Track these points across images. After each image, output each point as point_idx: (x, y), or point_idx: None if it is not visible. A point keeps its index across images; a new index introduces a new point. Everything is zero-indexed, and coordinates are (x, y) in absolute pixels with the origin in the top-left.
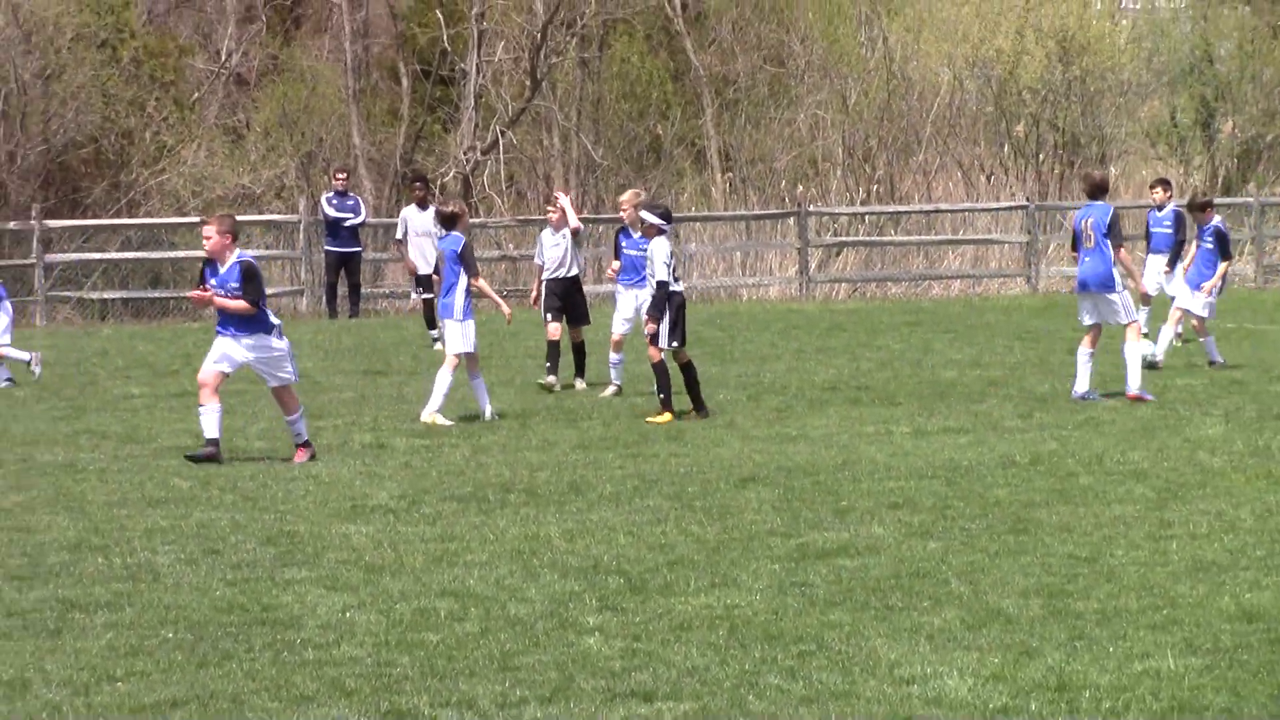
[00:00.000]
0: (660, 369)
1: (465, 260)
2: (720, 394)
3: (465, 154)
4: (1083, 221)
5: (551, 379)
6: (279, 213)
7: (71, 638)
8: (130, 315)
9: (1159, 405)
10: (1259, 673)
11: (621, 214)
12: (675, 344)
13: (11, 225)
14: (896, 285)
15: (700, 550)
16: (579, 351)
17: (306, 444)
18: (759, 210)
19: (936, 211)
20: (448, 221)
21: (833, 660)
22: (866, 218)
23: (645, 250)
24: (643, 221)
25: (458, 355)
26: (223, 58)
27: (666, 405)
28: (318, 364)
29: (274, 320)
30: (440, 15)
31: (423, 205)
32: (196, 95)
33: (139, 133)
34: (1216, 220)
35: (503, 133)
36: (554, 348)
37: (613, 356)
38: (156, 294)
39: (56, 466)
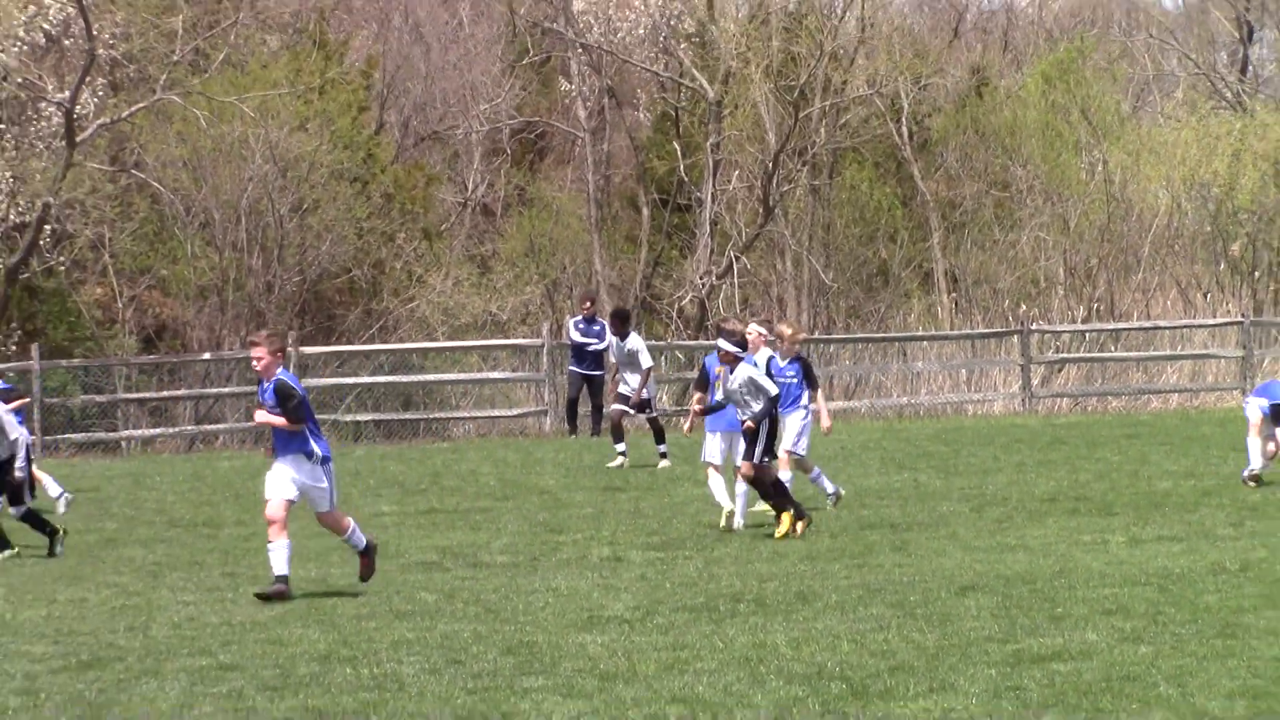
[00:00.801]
0: (759, 481)
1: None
2: (944, 506)
3: (701, 278)
4: None
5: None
6: (524, 337)
7: None
8: (382, 436)
9: None
10: None
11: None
12: (767, 458)
13: None
14: (1116, 399)
15: (920, 656)
16: None
17: (367, 550)
18: (983, 329)
19: (1155, 328)
20: (742, 344)
21: None
22: (1087, 335)
23: (791, 377)
24: (719, 349)
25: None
26: (469, 189)
27: (788, 510)
28: (559, 481)
29: (316, 448)
30: (678, 146)
31: (622, 336)
32: (444, 226)
33: (389, 262)
34: None
35: (737, 258)
36: None
37: (811, 473)
38: (407, 416)
39: (308, 580)
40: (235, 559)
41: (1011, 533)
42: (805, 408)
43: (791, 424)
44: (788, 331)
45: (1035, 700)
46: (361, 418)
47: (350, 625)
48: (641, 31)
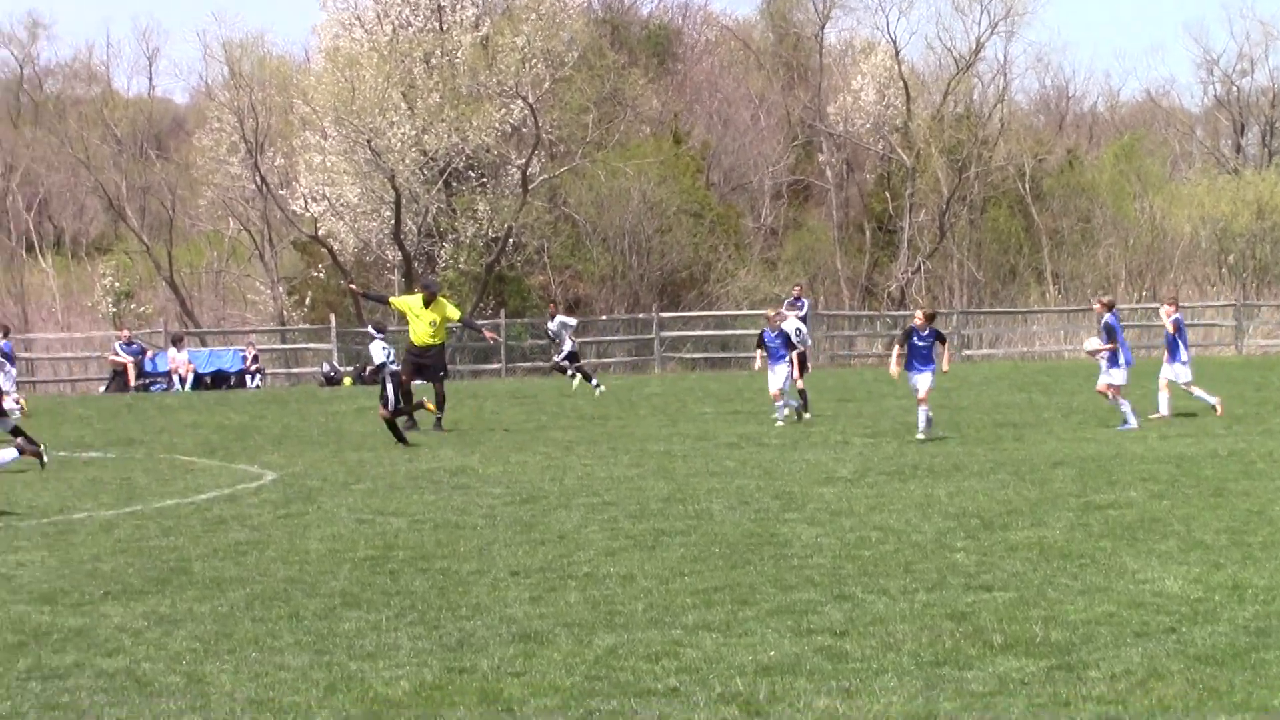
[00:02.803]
0: (390, 423)
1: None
2: (1046, 413)
3: (901, 274)
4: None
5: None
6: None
7: (660, 551)
8: (707, 367)
9: None
10: None
11: (767, 318)
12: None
13: (641, 316)
14: (1155, 350)
15: (1026, 504)
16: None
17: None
18: (1073, 306)
19: (1181, 306)
20: (930, 319)
21: (1099, 569)
22: (1138, 310)
23: (777, 342)
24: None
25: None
26: (761, 219)
27: (401, 439)
28: (812, 395)
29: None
30: (888, 194)
31: (551, 318)
32: (747, 241)
33: (714, 263)
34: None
35: (923, 262)
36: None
37: (777, 403)
38: (723, 354)
39: (660, 453)
40: (617, 440)
41: (1087, 430)
42: (788, 361)
43: (780, 371)
44: (770, 314)
45: (1096, 531)
46: (695, 355)
47: (682, 480)
48: (868, 125)
